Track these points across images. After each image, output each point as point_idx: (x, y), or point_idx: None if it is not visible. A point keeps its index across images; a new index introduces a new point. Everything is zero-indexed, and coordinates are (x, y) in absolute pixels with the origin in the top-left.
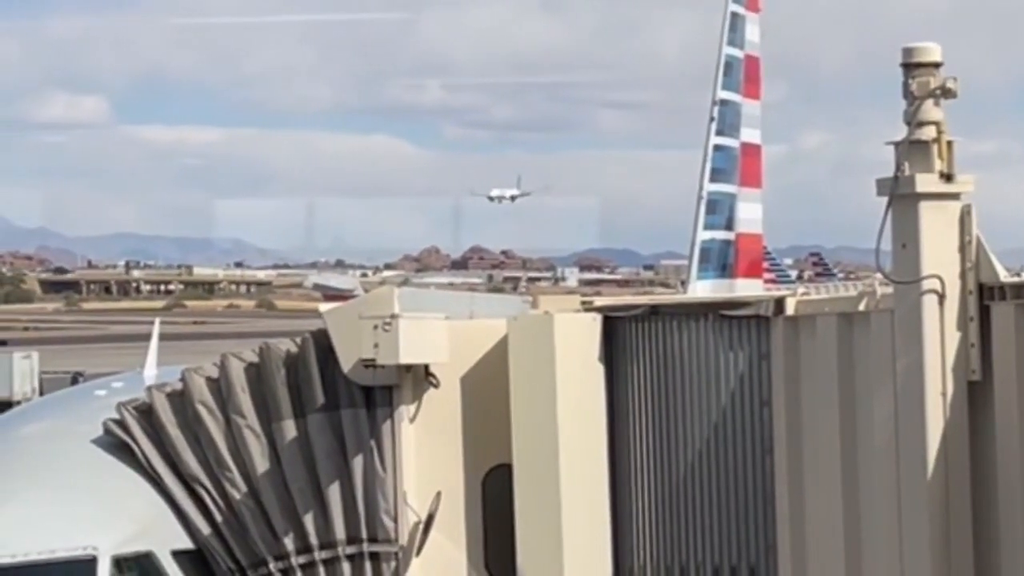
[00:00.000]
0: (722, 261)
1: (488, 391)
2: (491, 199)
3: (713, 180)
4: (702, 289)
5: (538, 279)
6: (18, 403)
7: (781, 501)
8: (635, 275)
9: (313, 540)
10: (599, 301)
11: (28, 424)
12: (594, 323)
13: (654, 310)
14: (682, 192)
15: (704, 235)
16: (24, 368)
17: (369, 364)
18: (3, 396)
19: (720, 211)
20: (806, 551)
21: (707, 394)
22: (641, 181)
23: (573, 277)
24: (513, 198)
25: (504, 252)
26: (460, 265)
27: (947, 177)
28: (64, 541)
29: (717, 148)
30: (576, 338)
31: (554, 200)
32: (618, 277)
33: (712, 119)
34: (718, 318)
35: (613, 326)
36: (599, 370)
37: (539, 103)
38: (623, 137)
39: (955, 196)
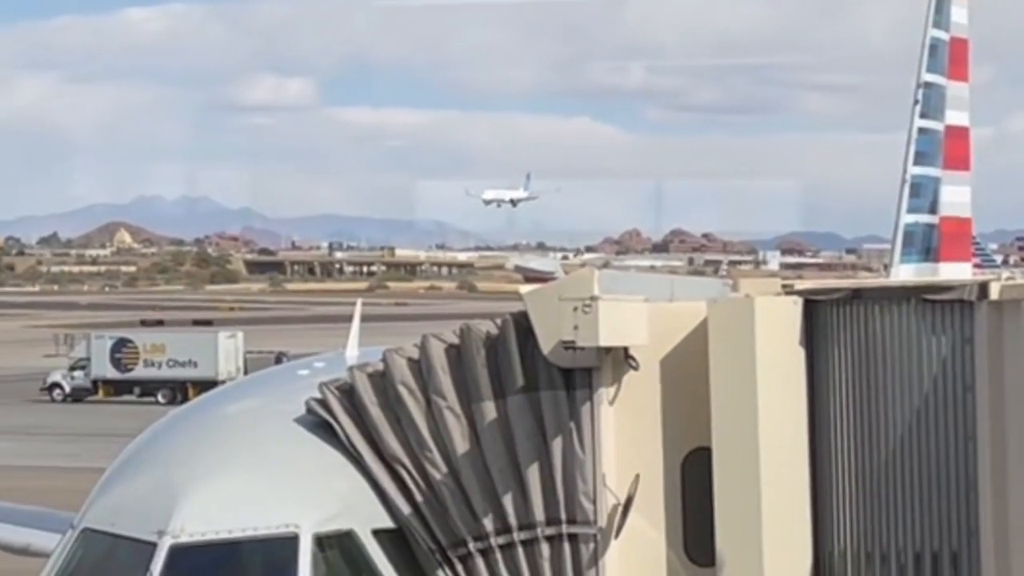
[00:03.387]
0: (925, 245)
1: (687, 374)
2: (486, 202)
3: (917, 163)
4: (905, 273)
5: (739, 262)
6: (223, 382)
7: (984, 487)
8: (837, 259)
9: (512, 521)
10: (800, 284)
11: (232, 403)
12: (795, 306)
13: (856, 294)
14: (886, 175)
15: (908, 218)
16: (229, 348)
17: (569, 346)
18: (209, 375)
19: (924, 194)
20: (1009, 537)
21: (909, 379)
22: (844, 164)
23: (775, 260)
24: (514, 202)
25: (705, 235)
26: (661, 248)
27: None
28: (266, 518)
29: (921, 131)
30: (776, 321)
31: (756, 183)
32: (820, 261)
33: (916, 102)
34: (921, 302)
35: (814, 310)
36: (799, 354)
37: (742, 85)
38: (827, 120)
39: None
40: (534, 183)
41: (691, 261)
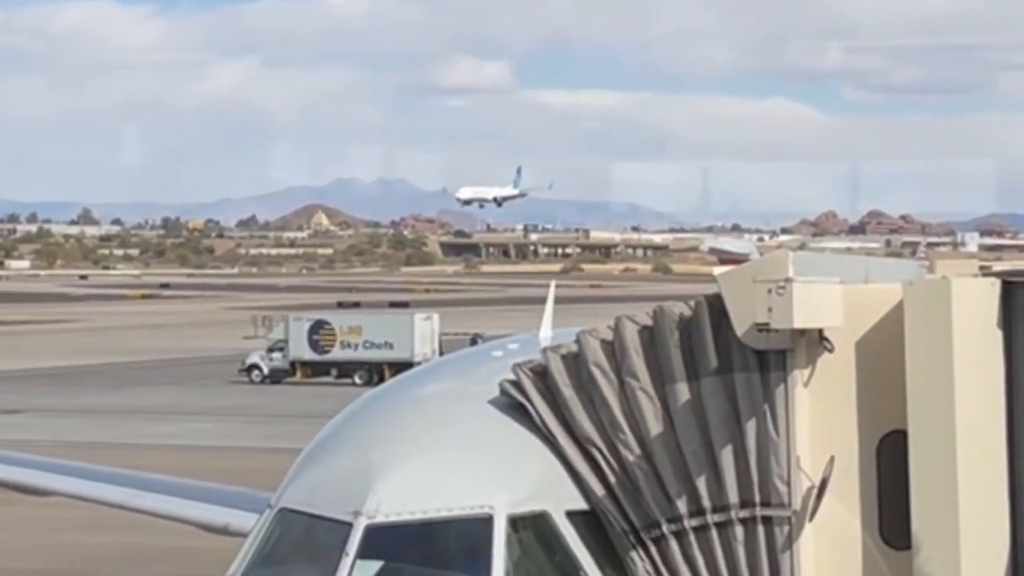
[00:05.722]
0: None
1: (883, 356)
2: (465, 202)
3: None
4: None
5: (937, 244)
6: (418, 363)
7: None
8: None
9: (706, 503)
10: (998, 266)
11: (427, 384)
12: (992, 288)
13: None
14: None
15: None
16: (425, 329)
17: (763, 328)
18: (405, 356)
19: None
20: None
21: None
22: None
23: (973, 242)
24: (499, 201)
25: (903, 217)
26: (858, 230)
27: None
28: (461, 499)
29: None
30: (974, 303)
31: (955, 164)
32: (1020, 243)
33: None
34: None
35: (1012, 292)
36: (997, 336)
37: (942, 66)
38: None
39: None
40: (526, 180)
41: (888, 243)
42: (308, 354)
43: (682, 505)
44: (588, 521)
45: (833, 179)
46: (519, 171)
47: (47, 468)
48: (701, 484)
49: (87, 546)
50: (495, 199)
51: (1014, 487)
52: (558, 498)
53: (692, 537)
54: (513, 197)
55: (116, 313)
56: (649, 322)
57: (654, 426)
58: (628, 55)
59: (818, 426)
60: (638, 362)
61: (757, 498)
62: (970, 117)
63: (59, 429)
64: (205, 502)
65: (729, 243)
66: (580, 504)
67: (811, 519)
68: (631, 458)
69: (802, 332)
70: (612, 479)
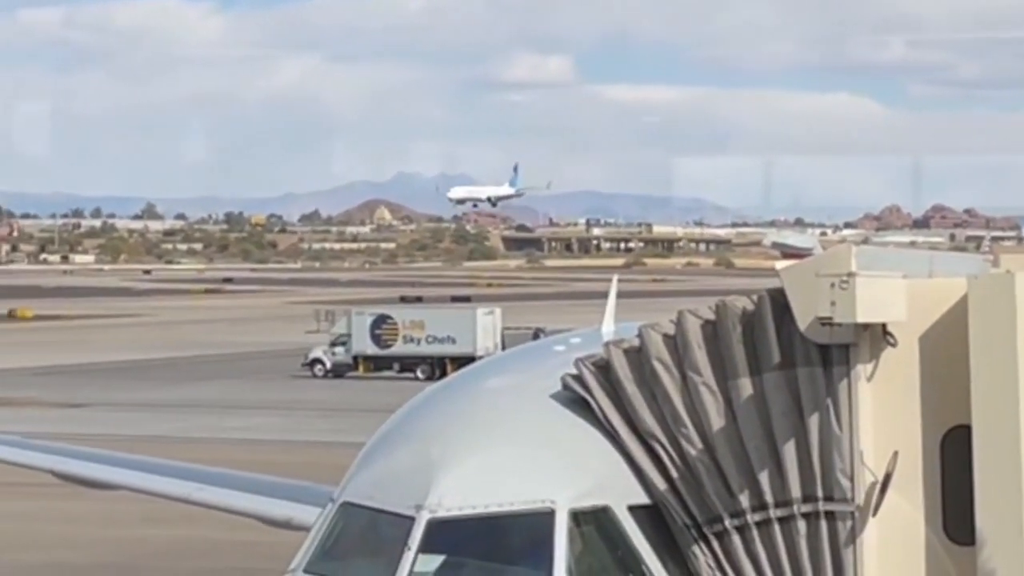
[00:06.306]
0: None
1: (947, 351)
2: (458, 202)
3: None
4: None
5: (1002, 238)
6: (481, 358)
7: None
8: None
9: (768, 498)
10: None
11: (489, 378)
12: None
13: None
14: None
15: None
16: (487, 324)
17: (826, 322)
18: (467, 351)
19: None
20: None
21: None
22: None
23: None
24: (493, 201)
25: (967, 211)
26: (921, 224)
27: None
28: (523, 494)
29: None
30: None
31: (1020, 158)
32: None
33: None
34: None
35: None
36: None
37: (1007, 60)
38: None
39: None
40: (522, 179)
41: (952, 237)
42: (371, 348)
43: (744, 500)
44: (650, 516)
45: (896, 173)
46: (516, 169)
47: (110, 462)
48: (763, 479)
49: (150, 539)
50: (489, 199)
51: None
52: (620, 492)
53: (754, 532)
54: (509, 197)
55: (179, 308)
56: (712, 316)
57: (716, 421)
58: (691, 50)
59: (881, 421)
60: (700, 357)
61: (820, 493)
62: None
63: (122, 423)
64: (267, 496)
65: (792, 237)
66: (642, 499)
67: (874, 514)
68: (693, 453)
69: (865, 326)
70: (674, 474)
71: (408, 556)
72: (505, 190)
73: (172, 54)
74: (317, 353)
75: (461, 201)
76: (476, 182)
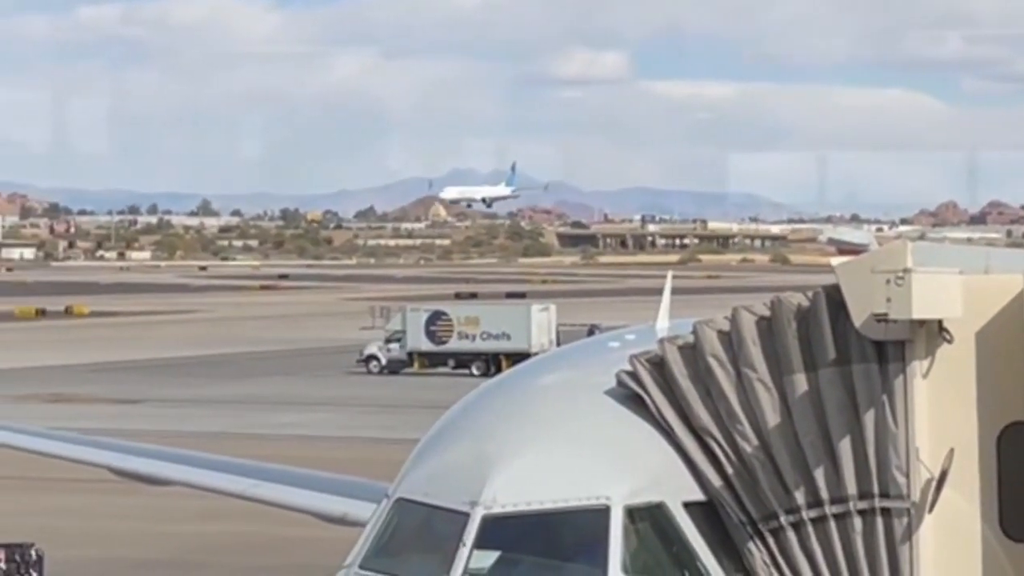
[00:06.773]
0: None
1: (1004, 347)
2: (452, 202)
3: None
4: None
5: None
6: (536, 354)
7: None
8: None
9: (824, 495)
10: None
11: (543, 375)
12: None
13: None
14: None
15: None
16: (542, 320)
17: (881, 319)
18: (522, 347)
19: None
20: None
21: None
22: None
23: None
24: (488, 201)
25: None
26: (978, 220)
27: None
28: (578, 490)
29: None
30: None
31: None
32: None
33: None
34: None
35: None
36: None
37: None
38: None
39: None
40: (523, 178)
41: (1009, 233)
42: (425, 345)
43: (800, 496)
44: (705, 512)
45: (953, 169)
46: (514, 168)
47: (166, 458)
48: (819, 475)
49: (204, 535)
50: (484, 199)
51: None
52: (675, 489)
53: (810, 528)
54: (504, 197)
55: (235, 304)
56: (767, 313)
57: (771, 417)
58: (745, 45)
59: (937, 417)
60: (755, 353)
61: (876, 490)
62: None
63: (178, 419)
64: (322, 492)
65: (848, 233)
66: (697, 495)
67: (930, 511)
68: (748, 449)
69: (921, 323)
70: (729, 470)
71: (463, 552)
72: (501, 190)
73: (229, 51)
74: (372, 349)
75: (455, 201)
76: (532, 178)
